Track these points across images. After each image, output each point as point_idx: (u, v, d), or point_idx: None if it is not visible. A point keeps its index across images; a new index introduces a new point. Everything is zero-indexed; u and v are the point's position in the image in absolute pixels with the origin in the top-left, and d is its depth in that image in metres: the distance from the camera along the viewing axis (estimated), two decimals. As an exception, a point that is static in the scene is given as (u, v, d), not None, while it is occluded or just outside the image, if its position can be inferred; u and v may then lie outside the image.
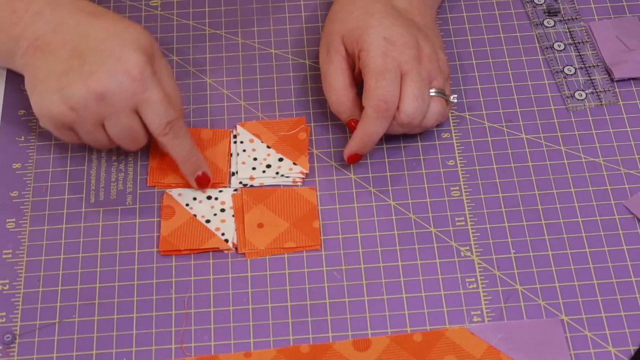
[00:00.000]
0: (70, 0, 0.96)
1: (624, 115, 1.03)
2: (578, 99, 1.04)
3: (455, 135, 1.02)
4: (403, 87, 0.96)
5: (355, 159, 0.99)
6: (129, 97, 0.92)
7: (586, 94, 1.04)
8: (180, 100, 0.97)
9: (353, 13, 0.99)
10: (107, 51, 0.92)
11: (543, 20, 1.10)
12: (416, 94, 0.95)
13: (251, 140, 1.01)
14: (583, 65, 1.06)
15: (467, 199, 0.98)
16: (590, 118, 1.03)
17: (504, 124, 1.03)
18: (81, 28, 0.94)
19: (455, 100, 1.00)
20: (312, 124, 1.03)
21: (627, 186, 0.98)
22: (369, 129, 0.96)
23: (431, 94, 0.97)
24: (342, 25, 0.99)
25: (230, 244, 0.95)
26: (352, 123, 0.98)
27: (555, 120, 1.02)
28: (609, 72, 1.05)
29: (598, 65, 1.06)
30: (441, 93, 0.97)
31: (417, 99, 0.95)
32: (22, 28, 0.95)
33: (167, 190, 0.99)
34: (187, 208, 0.97)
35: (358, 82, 0.99)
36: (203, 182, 0.98)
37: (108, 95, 0.91)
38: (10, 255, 0.95)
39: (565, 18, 1.10)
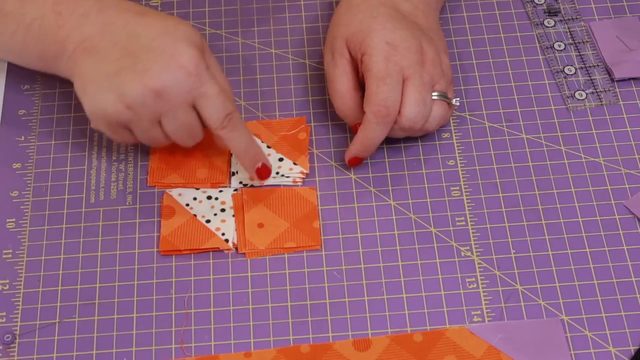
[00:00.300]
0: (116, 1, 0.95)
1: (624, 115, 1.03)
2: (578, 99, 1.04)
3: (455, 135, 1.02)
4: (405, 91, 0.95)
5: (356, 162, 0.99)
6: (186, 92, 0.91)
7: (586, 93, 1.04)
8: (231, 91, 0.97)
9: (357, 16, 0.98)
10: (160, 48, 0.91)
11: (543, 20, 1.10)
12: (418, 99, 0.95)
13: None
14: (583, 65, 1.06)
15: (467, 199, 0.98)
16: (590, 118, 1.03)
17: (504, 124, 1.03)
18: (130, 27, 0.93)
19: (458, 104, 1.00)
20: (312, 124, 1.03)
21: (627, 186, 0.98)
22: (369, 134, 0.96)
23: (433, 97, 0.97)
24: (346, 29, 0.98)
25: (230, 244, 0.95)
26: (358, 127, 0.98)
27: (556, 120, 1.02)
28: (609, 72, 1.05)
29: (598, 65, 1.06)
30: (444, 96, 0.97)
31: (419, 104, 0.95)
32: (68, 31, 0.94)
33: (167, 190, 0.99)
34: (187, 208, 0.97)
35: (363, 86, 0.99)
36: (264, 174, 0.97)
37: (165, 91, 0.90)
38: (10, 255, 0.95)
39: (565, 18, 1.10)
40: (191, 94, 0.91)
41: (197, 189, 0.99)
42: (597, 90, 1.04)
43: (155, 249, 0.95)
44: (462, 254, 0.94)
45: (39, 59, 0.97)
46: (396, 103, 0.95)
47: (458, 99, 1.00)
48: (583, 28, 1.09)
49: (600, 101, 1.04)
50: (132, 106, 0.91)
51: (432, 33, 1.00)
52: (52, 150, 1.02)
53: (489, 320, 0.91)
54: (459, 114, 1.03)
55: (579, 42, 1.08)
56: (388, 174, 0.99)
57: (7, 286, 0.93)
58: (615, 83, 1.05)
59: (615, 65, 1.05)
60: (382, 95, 0.94)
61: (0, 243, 0.96)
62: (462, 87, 1.05)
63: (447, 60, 1.00)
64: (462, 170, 0.99)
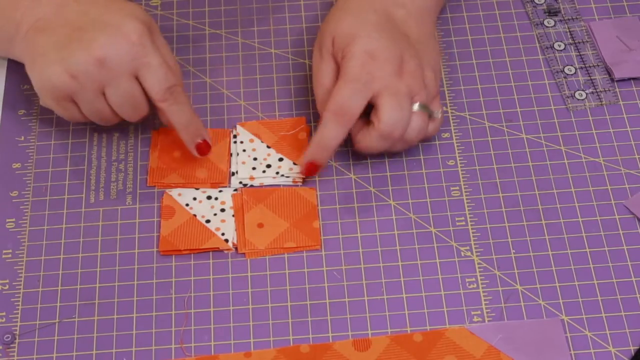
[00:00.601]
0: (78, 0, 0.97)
1: (624, 115, 1.03)
2: (578, 99, 1.04)
3: (455, 135, 1.02)
4: (380, 100, 0.94)
5: (312, 170, 0.97)
6: (129, 60, 0.93)
7: (586, 93, 1.04)
8: (180, 71, 0.98)
9: (347, 18, 0.98)
10: (107, 22, 0.94)
11: (543, 20, 1.10)
12: (394, 105, 0.94)
13: (251, 140, 1.01)
14: (583, 65, 1.06)
15: (467, 199, 0.98)
16: (590, 118, 1.03)
17: (504, 124, 1.03)
18: (81, 7, 0.95)
19: (439, 116, 0.98)
20: (312, 124, 1.03)
21: (627, 186, 0.98)
22: (325, 133, 0.95)
23: (414, 109, 0.95)
24: (335, 27, 0.98)
25: (230, 244, 0.95)
26: None
27: (556, 120, 1.02)
28: (609, 72, 1.05)
29: (598, 65, 1.06)
30: (424, 108, 0.96)
31: (395, 109, 0.94)
32: (23, 12, 0.96)
33: (167, 190, 0.99)
34: (187, 208, 0.97)
35: None
36: (203, 150, 0.98)
37: (108, 59, 0.92)
38: (10, 255, 0.95)
39: (565, 18, 1.10)
40: (133, 63, 0.93)
41: (197, 189, 0.99)
42: (597, 90, 1.04)
43: (155, 249, 0.95)
44: (462, 254, 0.94)
45: None
46: (356, 106, 0.94)
47: (440, 111, 0.98)
48: (583, 28, 1.09)
49: (600, 101, 1.04)
50: (76, 75, 0.93)
51: (422, 45, 0.99)
52: (52, 150, 1.02)
53: (489, 320, 0.91)
54: (458, 114, 1.03)
55: (579, 42, 1.08)
56: (388, 174, 0.99)
57: (7, 286, 0.93)
58: (615, 83, 1.05)
59: (615, 65, 1.05)
60: (343, 94, 0.94)
61: (0, 243, 0.96)
62: (462, 87, 1.05)
63: (432, 75, 0.97)
64: (462, 170, 0.99)
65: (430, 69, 0.98)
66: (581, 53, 1.07)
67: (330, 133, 0.95)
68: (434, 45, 1.02)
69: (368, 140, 0.95)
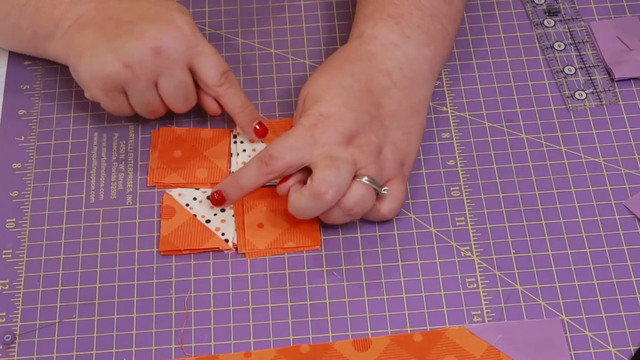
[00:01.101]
0: None
1: (624, 115, 1.03)
2: (578, 99, 1.04)
3: (455, 135, 1.02)
4: (316, 160, 0.90)
5: (218, 201, 0.94)
6: (184, 50, 0.94)
7: (586, 93, 1.04)
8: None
9: (321, 79, 0.95)
10: (155, 15, 0.95)
11: (543, 20, 1.10)
12: (328, 164, 0.89)
13: (251, 140, 1.01)
14: (583, 65, 1.06)
15: (467, 199, 0.98)
16: (590, 118, 1.03)
17: (504, 124, 1.03)
18: (124, 4, 0.96)
19: (386, 193, 0.92)
20: (312, 124, 1.03)
21: (627, 186, 0.98)
22: (243, 171, 0.92)
23: (362, 180, 0.90)
24: (308, 88, 0.95)
25: (230, 244, 0.95)
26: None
27: (556, 120, 1.02)
28: (609, 72, 1.05)
29: (598, 65, 1.06)
30: (371, 182, 0.90)
31: (329, 168, 0.89)
32: (63, 9, 0.96)
33: (167, 190, 0.99)
34: (187, 208, 0.97)
35: None
36: (262, 133, 0.98)
37: (163, 49, 0.93)
38: (10, 255, 0.95)
39: (565, 18, 1.10)
40: (189, 52, 0.94)
41: (197, 189, 0.99)
42: (597, 90, 1.04)
43: (155, 249, 0.95)
44: (462, 254, 0.94)
45: (30, 39, 0.99)
46: (284, 160, 0.90)
47: (387, 188, 0.92)
48: (583, 28, 1.09)
49: (600, 101, 1.04)
50: (131, 65, 0.93)
51: (395, 122, 0.94)
52: (52, 150, 1.02)
53: (489, 320, 0.91)
54: (458, 113, 1.03)
55: (579, 42, 1.08)
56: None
57: (7, 286, 0.93)
58: (615, 83, 1.05)
59: (615, 65, 1.05)
60: (275, 145, 0.91)
61: (0, 243, 0.96)
62: (462, 87, 1.05)
63: (392, 155, 0.92)
64: (462, 170, 0.99)
65: (392, 149, 0.93)
66: (581, 53, 1.07)
67: (248, 174, 0.92)
68: (414, 122, 0.95)
69: (299, 199, 0.90)
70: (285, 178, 0.93)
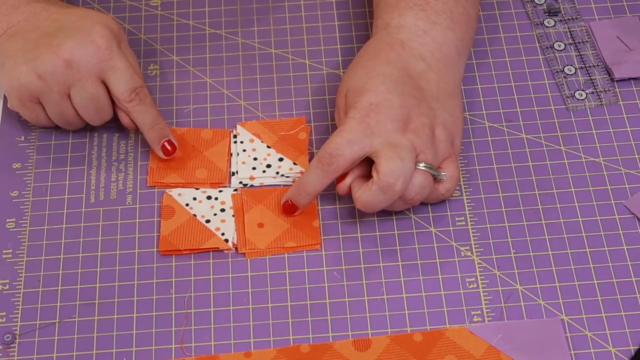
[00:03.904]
0: (51, 10, 0.99)
1: (624, 115, 1.03)
2: (578, 99, 1.04)
3: (456, 135, 1.02)
4: (378, 151, 0.90)
5: (290, 210, 0.95)
6: (95, 63, 0.96)
7: (586, 93, 1.04)
8: (142, 77, 0.99)
9: (358, 72, 0.96)
10: (76, 28, 0.97)
11: (543, 20, 1.10)
12: (392, 155, 0.90)
13: (251, 140, 1.01)
14: (583, 65, 1.06)
15: (467, 199, 0.98)
16: (590, 118, 1.03)
17: (504, 124, 1.03)
18: (53, 16, 0.98)
19: (444, 178, 0.93)
20: (312, 124, 1.03)
21: (627, 186, 0.98)
22: (306, 177, 0.93)
23: (419, 167, 0.91)
24: (347, 84, 0.96)
25: (230, 244, 0.95)
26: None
27: (556, 120, 1.02)
28: (609, 72, 1.05)
29: (598, 65, 1.06)
30: (429, 168, 0.91)
31: (394, 159, 0.90)
32: None
33: (167, 190, 0.99)
34: (187, 208, 0.97)
35: None
36: (169, 152, 0.99)
37: (75, 61, 0.95)
38: (10, 255, 0.95)
39: (565, 18, 1.10)
40: (100, 65, 0.96)
41: (197, 189, 0.99)
42: (597, 90, 1.04)
43: (155, 249, 0.95)
44: (462, 253, 0.94)
45: None
46: (345, 156, 0.90)
47: (445, 173, 0.93)
48: (583, 28, 1.09)
49: (600, 101, 1.04)
50: (43, 76, 0.95)
51: (439, 103, 0.95)
52: (52, 150, 1.02)
53: (489, 320, 0.91)
54: (459, 114, 1.03)
55: (579, 42, 1.08)
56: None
57: (7, 286, 0.93)
58: (615, 83, 1.05)
59: (615, 65, 1.05)
60: (333, 143, 0.91)
61: (0, 243, 0.96)
62: (463, 87, 1.04)
63: (444, 134, 0.93)
64: (462, 170, 0.99)
65: (443, 129, 0.94)
66: (581, 53, 1.07)
67: (312, 179, 0.93)
68: (455, 103, 0.97)
69: (367, 195, 0.91)
70: (342, 177, 0.93)
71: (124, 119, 0.99)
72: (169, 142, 0.99)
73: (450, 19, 0.99)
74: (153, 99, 1.00)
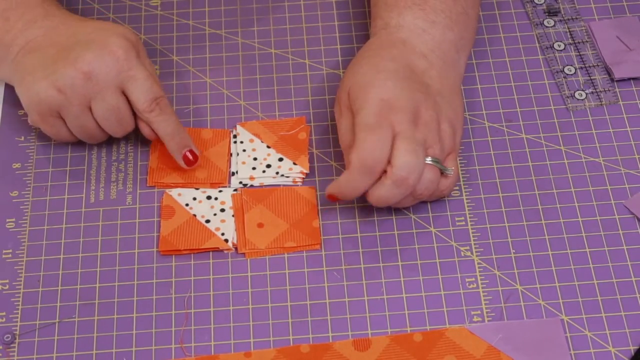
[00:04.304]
0: (62, 10, 1.00)
1: (624, 115, 1.03)
2: (578, 99, 1.04)
3: (455, 135, 1.02)
4: (394, 144, 0.91)
5: (334, 199, 0.95)
6: (115, 74, 0.95)
7: (586, 93, 1.04)
8: (162, 87, 0.99)
9: (362, 68, 0.96)
10: (94, 40, 0.96)
11: (543, 20, 1.10)
12: (408, 149, 0.90)
13: (251, 140, 1.01)
14: (583, 65, 1.06)
15: (467, 199, 0.98)
16: (590, 118, 1.03)
17: (504, 124, 1.03)
18: (71, 30, 0.98)
19: (451, 173, 0.94)
20: (312, 124, 1.03)
21: (627, 186, 0.98)
22: (350, 182, 0.92)
23: (427, 162, 0.92)
24: (350, 80, 0.96)
25: (230, 244, 0.95)
26: None
27: (555, 120, 1.02)
28: (609, 72, 1.05)
29: (598, 65, 1.06)
30: (436, 162, 0.92)
31: (410, 153, 0.90)
32: (14, 35, 0.98)
33: (167, 190, 0.99)
34: (187, 208, 0.97)
35: None
36: (191, 162, 0.98)
37: (94, 73, 0.94)
38: (10, 255, 0.95)
39: (565, 18, 1.10)
40: (119, 76, 0.95)
41: (197, 189, 0.99)
42: (597, 90, 1.04)
43: (155, 249, 0.95)
44: (462, 253, 0.94)
45: None
46: (383, 156, 0.90)
47: (453, 168, 0.94)
48: (583, 28, 1.09)
49: (600, 101, 1.04)
50: (63, 89, 0.94)
51: (443, 99, 0.95)
52: (52, 150, 1.02)
53: (488, 320, 0.91)
54: (458, 114, 1.03)
55: (579, 42, 1.08)
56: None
57: (7, 286, 0.93)
58: (615, 83, 1.05)
59: (615, 65, 1.05)
60: (369, 145, 0.90)
61: (0, 243, 0.96)
62: (463, 87, 1.04)
63: (449, 129, 0.94)
64: (462, 170, 0.99)
65: (448, 124, 0.94)
66: (581, 53, 1.07)
67: (355, 183, 0.92)
68: (457, 100, 0.98)
69: (381, 189, 0.91)
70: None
71: (144, 129, 0.98)
72: (191, 152, 0.98)
73: (449, 18, 0.99)
74: (173, 108, 0.99)
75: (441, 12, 0.99)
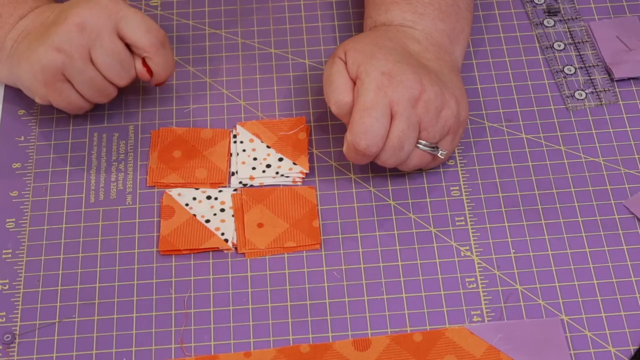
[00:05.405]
0: (54, 7, 1.00)
1: (624, 115, 1.03)
2: (578, 99, 1.04)
3: (455, 135, 1.02)
4: (392, 123, 0.92)
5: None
6: (106, 18, 0.96)
7: (586, 93, 1.04)
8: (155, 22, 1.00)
9: (366, 38, 0.97)
10: (77, 1, 0.97)
11: (543, 20, 1.10)
12: (395, 144, 0.92)
13: (251, 140, 1.01)
14: (583, 65, 1.06)
15: (467, 199, 0.98)
16: (590, 118, 1.03)
17: (504, 124, 1.03)
18: (57, 9, 0.99)
19: (443, 157, 0.95)
20: (312, 124, 1.03)
21: (627, 186, 0.98)
22: (348, 157, 0.95)
23: (419, 146, 0.93)
24: (351, 43, 0.96)
25: (229, 244, 0.95)
26: None
27: (555, 120, 1.02)
28: (609, 72, 1.05)
29: (598, 65, 1.06)
30: (429, 147, 0.93)
31: (395, 149, 0.92)
32: (7, 30, 0.99)
33: (167, 190, 0.99)
34: (187, 208, 0.97)
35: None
36: (145, 75, 1.00)
37: (86, 23, 0.95)
38: (10, 255, 0.95)
39: (565, 18, 1.10)
40: (111, 19, 0.96)
41: (197, 189, 0.99)
42: (597, 90, 1.04)
43: (155, 249, 0.95)
44: (462, 253, 0.94)
45: None
46: (379, 136, 0.91)
47: (445, 152, 0.95)
48: (583, 28, 1.09)
49: (600, 101, 1.04)
50: (61, 47, 0.95)
51: (443, 76, 0.96)
52: (52, 150, 1.02)
53: (488, 320, 0.91)
54: (458, 113, 1.03)
55: (579, 42, 1.08)
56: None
57: (7, 286, 0.93)
58: (615, 83, 1.05)
59: (615, 65, 1.05)
60: (364, 127, 0.91)
61: (0, 243, 0.96)
62: (462, 87, 1.05)
63: (450, 112, 0.94)
64: (462, 170, 0.99)
65: (454, 99, 0.94)
66: (581, 53, 1.07)
67: (353, 160, 0.95)
68: (457, 78, 0.98)
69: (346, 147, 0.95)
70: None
71: (137, 67, 0.99)
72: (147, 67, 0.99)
73: (438, 10, 1.00)
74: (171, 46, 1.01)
75: (429, 5, 0.99)
